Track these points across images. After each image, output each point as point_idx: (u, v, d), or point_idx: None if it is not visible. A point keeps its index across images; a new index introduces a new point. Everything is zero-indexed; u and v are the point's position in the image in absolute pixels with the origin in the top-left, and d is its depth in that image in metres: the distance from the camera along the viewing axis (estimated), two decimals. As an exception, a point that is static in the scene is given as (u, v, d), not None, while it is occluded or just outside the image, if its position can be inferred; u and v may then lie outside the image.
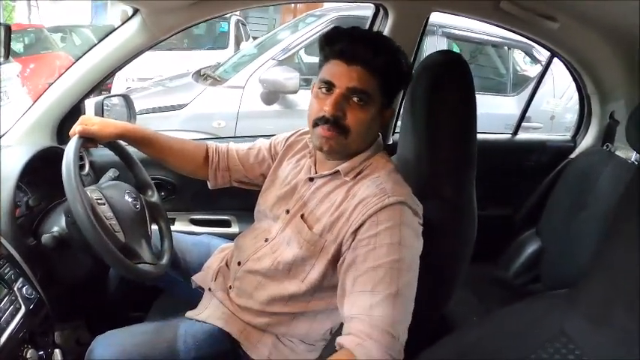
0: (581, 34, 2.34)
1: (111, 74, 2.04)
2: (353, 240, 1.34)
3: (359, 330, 1.22)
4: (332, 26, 1.47)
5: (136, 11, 1.90)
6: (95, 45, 2.00)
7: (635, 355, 0.87)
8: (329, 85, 1.40)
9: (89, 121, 1.63)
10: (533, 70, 5.93)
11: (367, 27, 2.31)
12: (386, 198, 1.33)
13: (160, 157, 1.76)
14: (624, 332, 0.89)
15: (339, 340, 1.24)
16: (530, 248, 2.65)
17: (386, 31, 2.18)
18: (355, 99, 1.38)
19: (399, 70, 1.44)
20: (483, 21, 2.33)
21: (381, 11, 2.24)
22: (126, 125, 1.72)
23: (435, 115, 1.59)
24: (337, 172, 1.47)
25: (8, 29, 1.47)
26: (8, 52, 1.45)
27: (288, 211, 1.55)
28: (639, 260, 0.86)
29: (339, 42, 1.40)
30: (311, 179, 1.54)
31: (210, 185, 1.83)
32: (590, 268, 1.00)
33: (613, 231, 0.95)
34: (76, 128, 1.59)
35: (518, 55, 5.96)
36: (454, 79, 1.60)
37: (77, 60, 2.02)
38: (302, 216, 1.50)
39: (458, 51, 5.45)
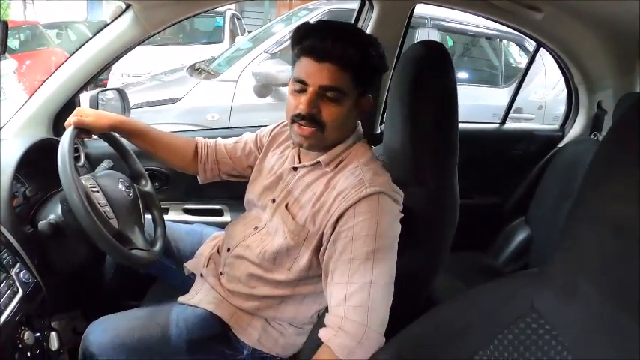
0: (566, 24, 2.36)
1: (105, 68, 2.07)
2: (332, 231, 1.39)
3: (334, 322, 1.32)
4: (301, 22, 1.47)
5: (128, 6, 1.94)
6: (89, 40, 2.04)
7: (602, 327, 0.90)
8: (302, 84, 1.40)
9: (84, 112, 1.67)
10: (524, 62, 5.94)
11: (353, 20, 2.35)
12: (364, 189, 1.36)
13: (151, 151, 1.80)
14: (590, 303, 0.92)
15: (329, 339, 1.31)
16: (520, 236, 2.67)
17: (371, 24, 2.23)
18: (329, 95, 1.39)
19: (371, 62, 1.43)
20: (468, 12, 2.37)
21: (367, 4, 2.27)
22: (120, 117, 1.76)
23: (417, 104, 1.63)
24: (318, 162, 1.50)
25: (5, 25, 1.50)
26: (5, 47, 1.48)
27: (274, 200, 1.59)
28: (600, 230, 0.90)
29: (308, 39, 1.39)
30: (294, 169, 1.58)
31: (200, 180, 1.87)
32: (560, 244, 1.04)
33: (578, 205, 0.98)
34: (71, 119, 1.62)
35: (514, 48, 5.99)
36: (436, 69, 1.63)
37: (71, 55, 2.06)
38: (286, 206, 1.54)
39: (451, 44, 5.49)
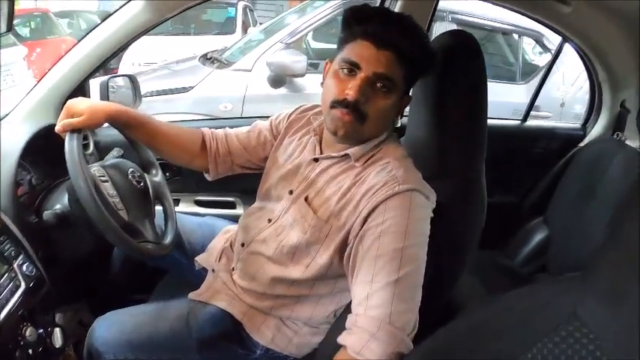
0: (594, 18, 2.29)
1: (115, 54, 2.00)
2: (360, 229, 1.30)
3: (350, 322, 1.23)
4: (361, 4, 1.40)
5: (143, -14, 1.87)
6: (99, 24, 1.98)
7: None
8: (353, 66, 1.32)
9: (75, 110, 1.47)
10: (542, 60, 5.88)
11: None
12: (397, 185, 1.28)
13: (151, 144, 1.67)
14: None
15: (343, 338, 1.23)
16: (538, 236, 2.62)
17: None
18: (379, 85, 1.31)
19: (429, 60, 1.38)
20: (495, 3, 2.29)
21: None
22: (117, 108, 1.57)
23: (446, 97, 1.55)
24: (346, 155, 1.42)
25: (12, 1, 1.42)
26: (11, 25, 1.40)
27: (291, 192, 1.51)
28: None
29: (370, 22, 1.31)
30: (316, 160, 1.49)
31: (210, 176, 1.75)
32: (602, 249, 0.97)
33: (627, 209, 0.91)
34: (64, 123, 1.44)
35: (527, 46, 5.91)
36: (466, 59, 1.56)
37: (81, 39, 1.99)
38: (306, 198, 1.45)
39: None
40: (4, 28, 1.37)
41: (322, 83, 1.44)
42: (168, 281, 1.95)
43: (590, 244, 2.20)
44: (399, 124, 1.94)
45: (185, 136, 1.70)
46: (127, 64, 6.76)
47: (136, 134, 1.63)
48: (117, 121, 1.57)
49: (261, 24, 9.33)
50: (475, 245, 1.61)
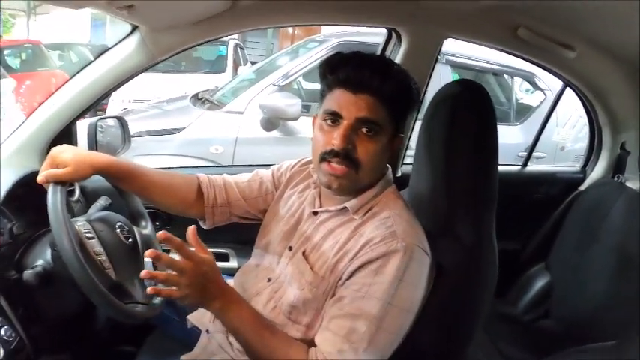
0: (597, 62, 2.31)
1: (106, 95, 1.93)
2: (349, 278, 1.28)
3: None
4: (333, 52, 1.38)
5: (134, 28, 1.81)
6: (90, 63, 1.90)
7: None
8: (335, 117, 1.31)
9: (60, 159, 1.38)
10: (530, 99, 5.95)
11: (379, 52, 2.25)
12: (395, 243, 1.25)
13: (145, 195, 1.58)
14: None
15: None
16: (540, 283, 2.58)
17: (399, 57, 2.13)
18: (364, 130, 1.29)
19: (409, 97, 1.35)
20: (499, 49, 2.28)
21: (394, 36, 2.18)
22: (107, 160, 1.48)
23: (454, 149, 1.50)
24: (345, 208, 1.37)
25: None
26: None
27: (290, 248, 1.45)
28: None
29: (343, 69, 1.30)
30: (315, 213, 1.45)
31: (205, 225, 1.66)
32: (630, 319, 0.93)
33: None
34: (48, 175, 1.35)
35: (515, 84, 5.93)
36: (474, 111, 1.51)
37: (70, 78, 1.92)
38: (303, 252, 1.40)
39: (456, 78, 5.43)
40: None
41: (312, 138, 1.41)
42: (158, 336, 1.83)
43: (593, 288, 2.21)
44: (399, 174, 1.87)
45: (179, 185, 1.62)
46: (117, 100, 6.72)
47: (126, 186, 1.55)
48: (105, 173, 1.48)
49: (251, 62, 9.37)
50: (487, 306, 1.54)
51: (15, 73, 8.19)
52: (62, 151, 1.40)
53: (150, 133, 4.36)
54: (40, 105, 1.92)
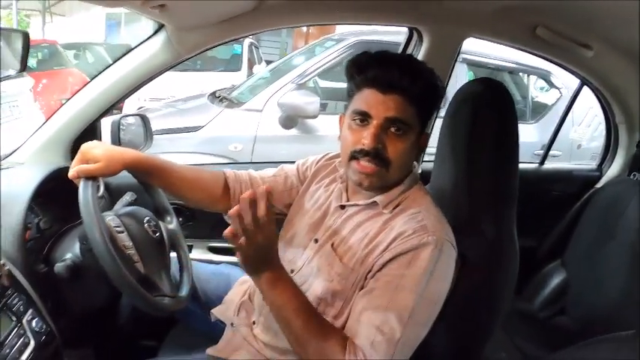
0: (614, 61, 2.31)
1: (130, 93, 1.96)
2: (380, 270, 1.28)
3: None
4: (353, 51, 1.42)
5: (160, 27, 1.83)
6: (115, 61, 1.93)
7: None
8: (364, 116, 1.32)
9: (91, 155, 1.40)
10: (545, 97, 5.88)
11: (400, 51, 2.26)
12: (426, 236, 1.26)
13: (172, 190, 1.60)
14: None
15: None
16: (556, 280, 2.58)
17: (420, 56, 2.13)
18: (393, 129, 1.31)
19: (437, 95, 1.38)
20: (517, 48, 2.28)
21: (415, 35, 2.20)
22: (136, 156, 1.51)
23: (475, 146, 1.51)
24: (374, 202, 1.38)
25: (27, 37, 1.36)
26: (25, 63, 1.33)
27: (316, 240, 1.46)
28: None
29: (370, 69, 1.32)
30: (342, 207, 1.46)
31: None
32: None
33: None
34: (79, 169, 1.38)
35: (530, 82, 5.90)
36: (495, 109, 1.52)
37: (95, 76, 1.95)
38: (332, 245, 1.41)
39: (472, 77, 5.40)
40: (18, 68, 1.31)
41: (339, 137, 1.43)
42: (180, 331, 1.85)
43: (608, 285, 2.21)
44: (419, 171, 1.89)
45: (206, 179, 1.64)
46: (133, 98, 6.72)
47: (155, 180, 1.57)
48: (135, 169, 1.50)
49: (266, 62, 9.36)
50: (508, 302, 1.55)
51: (32, 72, 8.22)
52: (93, 147, 1.42)
53: (168, 131, 4.36)
54: (64, 103, 1.96)
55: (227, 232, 1.12)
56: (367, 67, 1.32)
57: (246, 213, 1.08)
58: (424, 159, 2.42)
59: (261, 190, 1.11)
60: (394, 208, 1.37)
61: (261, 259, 1.19)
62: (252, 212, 1.08)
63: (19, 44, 1.38)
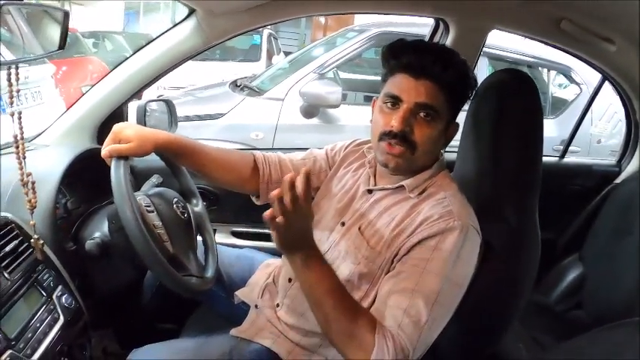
0: (636, 57, 2.28)
1: (158, 77, 1.98)
2: (406, 253, 1.30)
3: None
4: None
5: (191, 12, 1.85)
6: (144, 46, 1.95)
7: None
8: (395, 100, 1.35)
9: (124, 135, 1.41)
10: (563, 93, 5.87)
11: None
12: (452, 221, 1.28)
13: (203, 171, 1.60)
14: None
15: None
16: (573, 274, 2.58)
17: (445, 46, 2.13)
18: (422, 114, 1.34)
19: (468, 85, 1.40)
20: (541, 41, 2.28)
21: (441, 26, 2.21)
22: (168, 137, 1.52)
23: (500, 136, 1.53)
24: (400, 187, 1.41)
25: (67, 16, 1.37)
26: (65, 42, 1.34)
27: (343, 224, 1.48)
28: None
29: (405, 55, 1.35)
30: (369, 191, 1.48)
31: (259, 201, 1.68)
32: None
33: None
34: (111, 148, 1.38)
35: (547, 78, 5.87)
36: (522, 98, 1.54)
37: (122, 62, 1.97)
38: (359, 228, 1.43)
39: (491, 70, 5.37)
40: (58, 46, 1.33)
41: (371, 120, 1.46)
42: (202, 314, 1.88)
43: (626, 281, 2.19)
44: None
45: (236, 160, 1.65)
46: (152, 87, 6.74)
47: (186, 162, 1.58)
48: (166, 150, 1.52)
49: (284, 52, 9.35)
50: (529, 290, 1.56)
51: (52, 59, 8.27)
52: (125, 127, 1.43)
53: (190, 119, 4.37)
54: (92, 87, 2.00)
55: (266, 213, 1.12)
56: (402, 53, 1.36)
57: (286, 194, 1.09)
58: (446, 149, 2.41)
59: (302, 171, 1.12)
60: (421, 193, 1.39)
61: (298, 239, 1.19)
62: (291, 193, 1.09)
63: (59, 22, 1.39)
